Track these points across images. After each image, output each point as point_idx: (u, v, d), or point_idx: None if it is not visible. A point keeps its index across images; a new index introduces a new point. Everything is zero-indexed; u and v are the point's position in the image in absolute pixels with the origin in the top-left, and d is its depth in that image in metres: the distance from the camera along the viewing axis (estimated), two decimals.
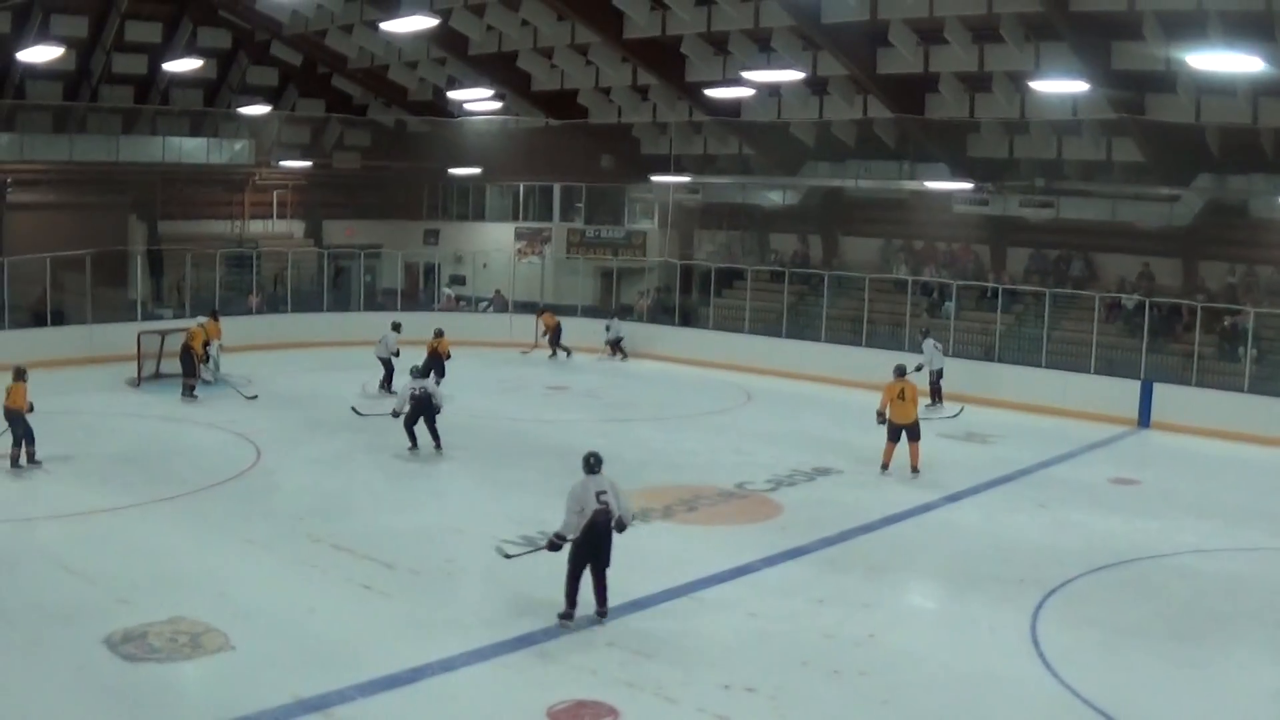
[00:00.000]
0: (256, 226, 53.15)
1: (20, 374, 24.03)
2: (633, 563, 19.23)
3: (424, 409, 26.43)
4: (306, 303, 45.38)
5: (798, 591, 18.45)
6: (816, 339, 41.95)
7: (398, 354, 34.28)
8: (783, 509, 23.42)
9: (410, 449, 26.42)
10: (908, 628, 17.45)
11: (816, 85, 41.07)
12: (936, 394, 35.65)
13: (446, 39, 43.37)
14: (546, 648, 15.59)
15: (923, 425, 26.75)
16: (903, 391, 26.72)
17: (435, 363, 33.46)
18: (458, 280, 52.42)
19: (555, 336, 43.71)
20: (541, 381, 35.63)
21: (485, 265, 51.63)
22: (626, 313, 47.27)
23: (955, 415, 33.02)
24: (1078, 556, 20.71)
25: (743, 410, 35.26)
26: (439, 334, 34.68)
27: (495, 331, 45.92)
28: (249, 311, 43.27)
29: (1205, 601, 18.94)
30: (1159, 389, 34.49)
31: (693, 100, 43.66)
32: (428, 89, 50.26)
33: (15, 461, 23.70)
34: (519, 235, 53.09)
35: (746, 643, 16.23)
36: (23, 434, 23.70)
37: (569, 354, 43.35)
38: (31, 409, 23.66)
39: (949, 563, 20.69)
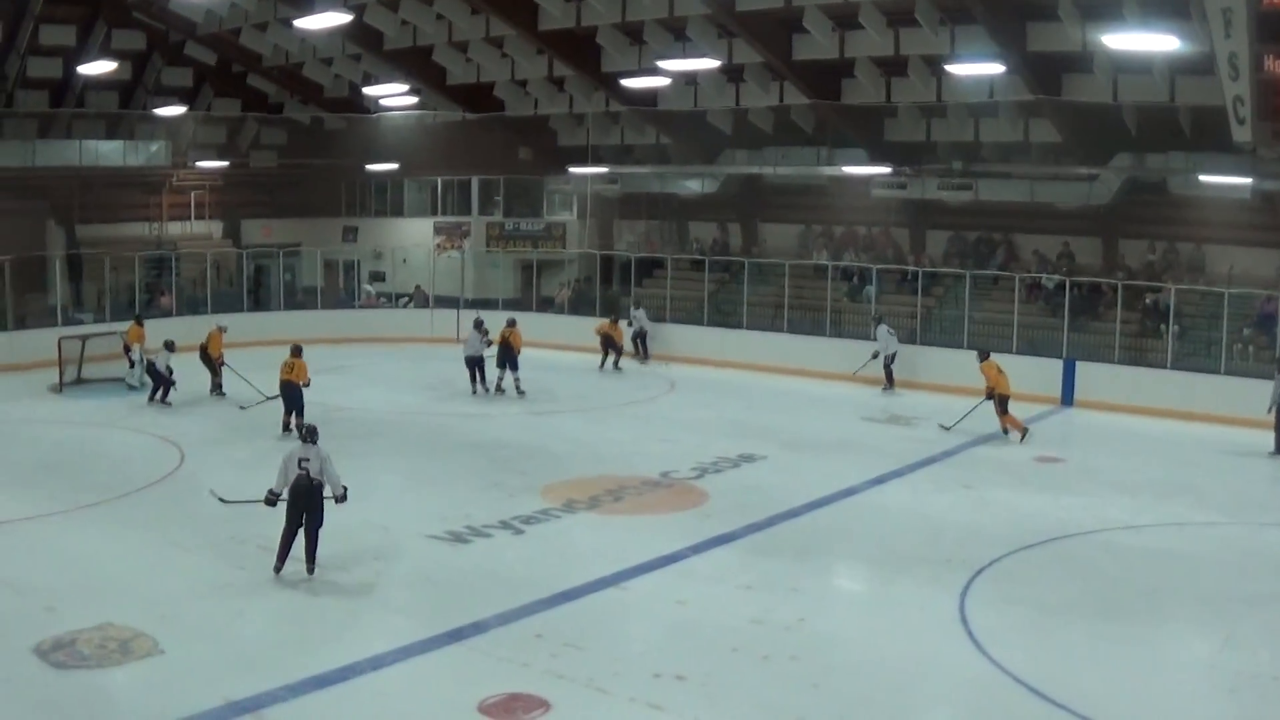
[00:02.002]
0: (175, 228, 52.43)
1: None
2: (560, 554, 19.27)
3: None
4: (226, 304, 44.87)
5: (726, 578, 18.40)
6: (738, 326, 41.89)
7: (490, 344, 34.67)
8: (708, 496, 23.34)
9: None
10: (836, 611, 17.49)
11: (733, 73, 40.98)
12: (889, 379, 36.22)
13: (361, 35, 43.01)
14: (476, 642, 15.45)
15: (847, 409, 26.67)
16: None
17: (507, 354, 33.95)
18: (378, 277, 51.98)
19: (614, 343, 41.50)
20: (464, 376, 35.37)
21: (405, 261, 51.25)
22: (547, 304, 47.28)
23: (950, 428, 31.86)
24: (1004, 536, 20.78)
25: (666, 399, 35.19)
26: (511, 323, 34.90)
27: (416, 327, 45.66)
28: (169, 313, 42.73)
29: (1133, 577, 19.02)
30: (1081, 367, 34.73)
31: (609, 91, 43.50)
32: (343, 85, 49.88)
33: None
34: (438, 230, 52.73)
35: (676, 631, 16.17)
36: None
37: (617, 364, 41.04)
38: None
39: (876, 545, 20.69)
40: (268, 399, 30.83)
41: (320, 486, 17.66)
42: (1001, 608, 17.25)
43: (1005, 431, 29.76)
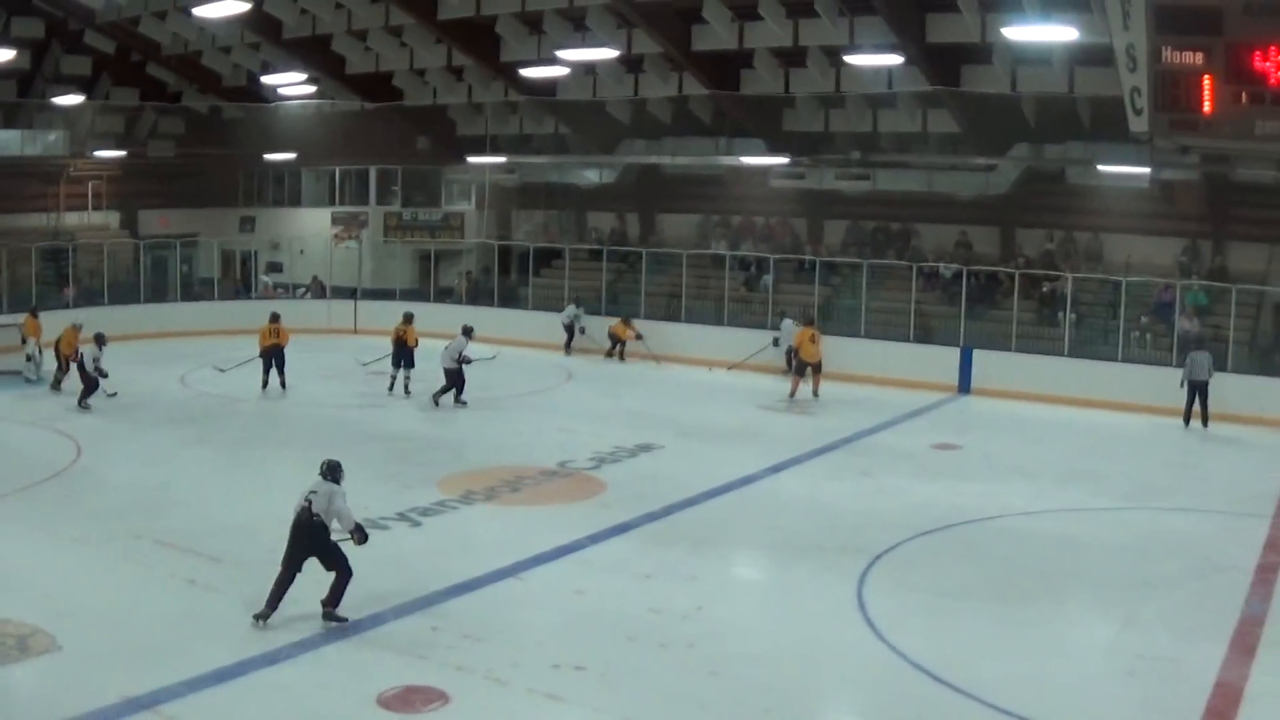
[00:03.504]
0: (73, 219, 51.53)
1: None
2: (457, 545, 19.17)
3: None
4: (123, 295, 44.24)
5: (623, 568, 18.37)
6: (636, 316, 41.69)
7: (467, 362, 31.64)
8: (606, 486, 23.30)
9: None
10: (734, 599, 17.48)
11: (632, 64, 40.97)
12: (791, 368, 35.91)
13: (260, 23, 42.49)
14: (373, 635, 15.34)
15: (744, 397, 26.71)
16: (814, 336, 32.72)
17: (402, 351, 32.92)
18: (275, 267, 51.41)
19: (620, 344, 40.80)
20: (361, 367, 35.15)
21: (302, 251, 50.73)
22: (445, 295, 47.09)
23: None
24: (901, 522, 20.87)
25: (564, 389, 35.19)
26: (408, 319, 33.58)
27: (314, 318, 45.22)
28: (65, 305, 42.12)
29: (1031, 562, 19.16)
30: (978, 355, 35.00)
31: (508, 80, 43.32)
32: (242, 74, 49.30)
33: None
34: (335, 220, 52.26)
35: (574, 621, 16.09)
36: None
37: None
38: None
39: (773, 533, 20.73)
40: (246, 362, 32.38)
41: (324, 526, 15.78)
42: (899, 594, 17.30)
43: (792, 394, 33.27)
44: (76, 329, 32.43)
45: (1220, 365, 31.65)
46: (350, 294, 46.34)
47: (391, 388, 32.86)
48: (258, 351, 32.85)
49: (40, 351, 33.51)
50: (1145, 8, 19.83)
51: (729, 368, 36.93)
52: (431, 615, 16.07)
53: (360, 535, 16.09)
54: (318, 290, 48.10)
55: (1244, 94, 18.72)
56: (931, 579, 18.05)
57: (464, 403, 31.18)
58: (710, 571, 18.44)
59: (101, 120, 50.91)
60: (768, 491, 23.54)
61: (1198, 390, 30.46)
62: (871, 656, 14.98)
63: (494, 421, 29.79)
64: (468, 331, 32.19)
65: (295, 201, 54.56)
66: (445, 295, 47.53)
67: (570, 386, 35.48)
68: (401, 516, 20.59)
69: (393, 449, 26.25)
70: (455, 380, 31.18)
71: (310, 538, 15.75)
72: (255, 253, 51.21)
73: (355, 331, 44.08)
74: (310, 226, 52.05)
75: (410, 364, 32.87)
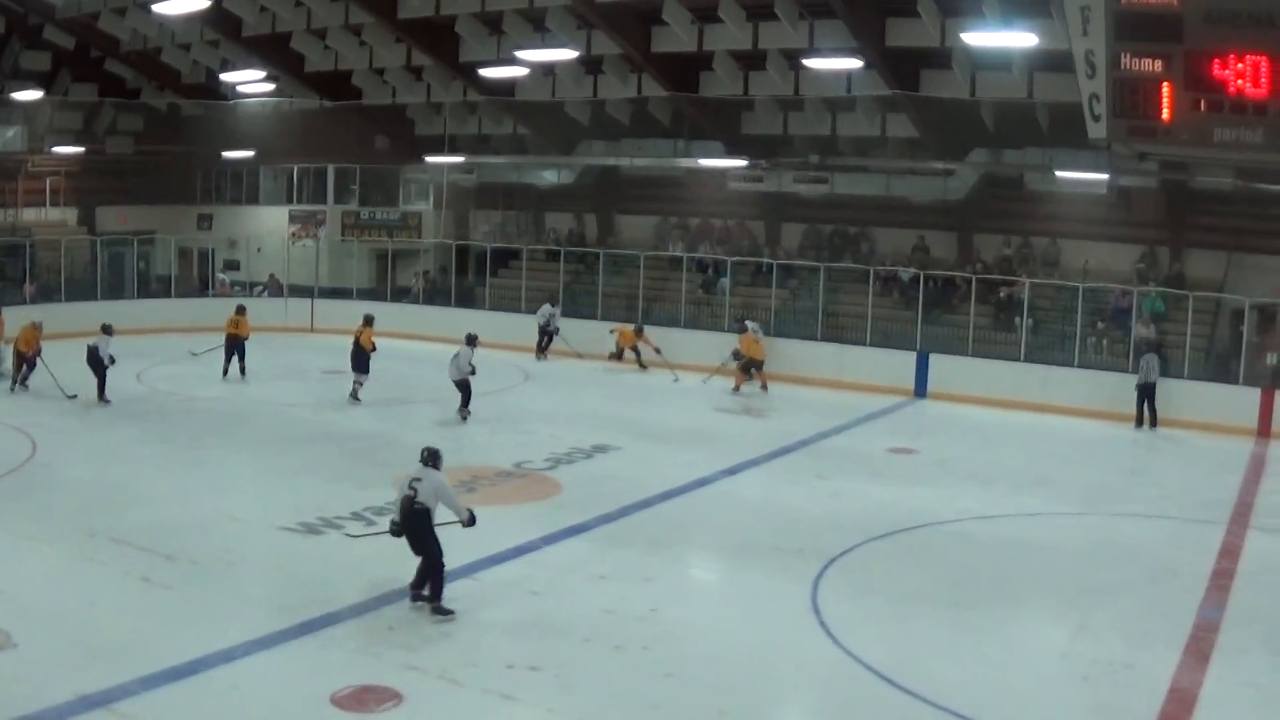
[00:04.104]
0: (30, 215, 51.38)
1: None
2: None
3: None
4: (80, 292, 44.06)
5: (578, 569, 18.34)
6: (592, 317, 41.78)
7: (474, 372, 30.60)
8: (562, 487, 23.27)
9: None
10: (689, 601, 17.41)
11: (591, 65, 41.08)
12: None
13: (219, 21, 42.49)
14: (328, 634, 15.24)
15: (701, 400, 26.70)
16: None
17: (359, 355, 31.81)
18: (232, 265, 51.30)
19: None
20: (318, 366, 35.06)
21: (260, 250, 50.59)
22: (402, 294, 47.07)
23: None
24: (857, 526, 20.89)
25: (521, 390, 35.08)
26: (368, 321, 32.69)
27: (271, 316, 44.96)
28: (23, 301, 41.85)
29: (987, 567, 19.23)
30: (935, 359, 35.15)
31: (467, 80, 43.34)
32: (201, 71, 49.20)
33: None
34: (293, 218, 52.22)
35: (529, 622, 16.00)
36: None
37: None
38: None
39: (728, 535, 20.77)
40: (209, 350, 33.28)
41: (426, 513, 16.30)
42: (854, 597, 17.31)
43: (735, 385, 34.94)
44: (36, 327, 32.17)
45: (1177, 372, 32.01)
46: (308, 293, 46.14)
47: (352, 394, 31.72)
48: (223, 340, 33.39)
49: (7, 347, 33.29)
50: (1105, 14, 19.90)
51: (706, 378, 36.63)
52: (386, 614, 15.99)
53: (470, 519, 16.80)
54: (275, 289, 47.93)
55: (1203, 101, 18.82)
56: (887, 583, 18.07)
57: (469, 412, 30.39)
58: (666, 573, 18.41)
59: (60, 116, 50.91)
60: (724, 494, 23.54)
61: (1146, 393, 31.11)
62: (826, 659, 14.97)
63: (451, 422, 29.67)
64: (472, 340, 30.91)
65: (253, 199, 54.50)
66: (402, 295, 47.55)
67: (527, 387, 35.40)
68: (357, 515, 20.43)
69: (348, 448, 26.15)
70: (466, 390, 30.46)
71: (410, 524, 16.28)
72: (213, 250, 51.13)
73: (312, 330, 43.94)
74: (268, 225, 51.98)
75: (364, 369, 31.83)
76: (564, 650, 14.98)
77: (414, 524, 16.25)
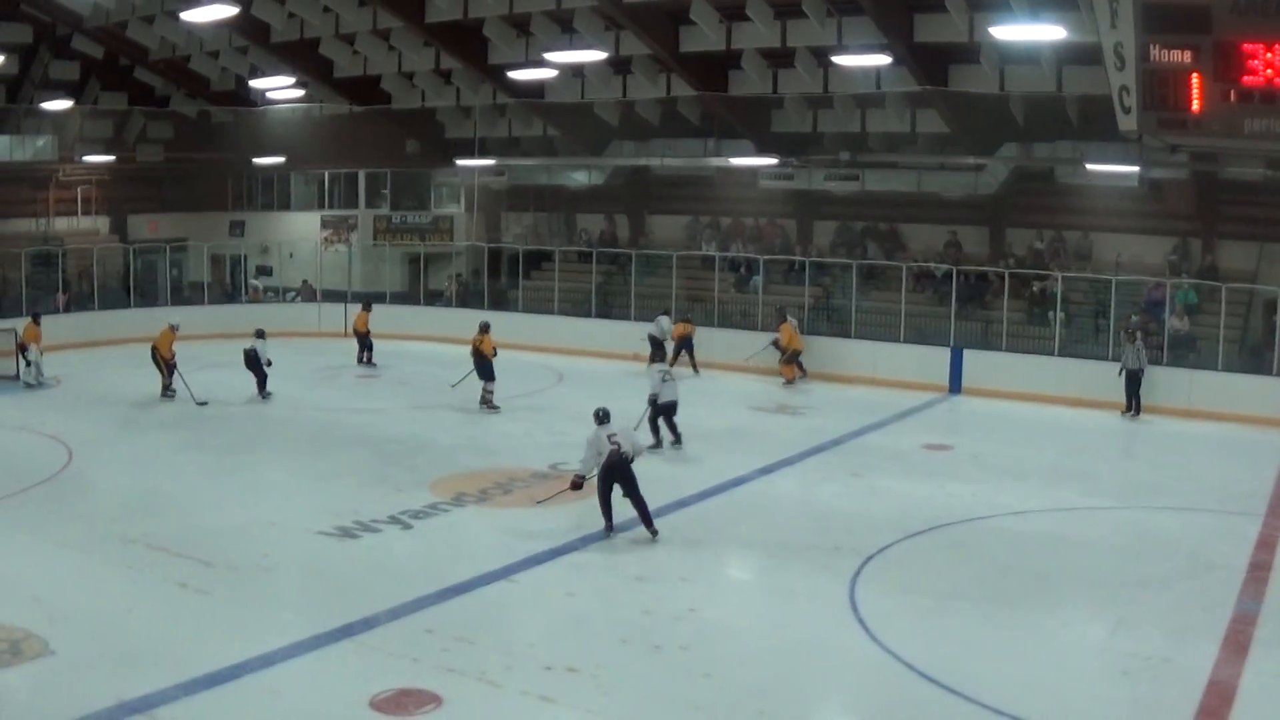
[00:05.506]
0: (62, 224, 51.66)
1: None
2: (450, 548, 19.18)
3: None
4: (113, 300, 44.29)
5: (615, 570, 18.40)
6: (626, 318, 41.78)
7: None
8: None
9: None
10: (726, 600, 17.47)
11: (620, 65, 41.00)
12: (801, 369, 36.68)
13: (248, 27, 42.53)
14: (366, 638, 15.29)
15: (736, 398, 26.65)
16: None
17: (482, 363, 31.60)
18: (264, 271, 51.52)
19: (686, 346, 38.80)
20: (351, 371, 35.17)
21: (292, 255, 50.79)
22: (435, 297, 47.16)
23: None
24: (893, 523, 20.87)
25: (555, 391, 35.10)
26: (484, 327, 32.23)
27: (304, 322, 45.17)
28: (56, 310, 42.03)
29: (1023, 562, 19.17)
30: (969, 355, 35.03)
31: (496, 83, 43.28)
32: (230, 79, 49.31)
33: None
34: (325, 224, 52.40)
35: (566, 623, 16.10)
36: None
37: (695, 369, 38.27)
38: None
39: (765, 534, 20.74)
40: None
41: (630, 459, 19.62)
42: (892, 595, 17.30)
43: (785, 379, 36.04)
44: (173, 329, 32.46)
45: (1210, 364, 31.90)
46: (341, 298, 46.19)
47: (483, 402, 31.40)
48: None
49: (42, 356, 33.43)
50: (1133, 6, 19.87)
51: (749, 357, 37.05)
52: (424, 618, 16.01)
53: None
54: (307, 294, 48.01)
55: (1233, 92, 18.77)
56: (923, 579, 18.08)
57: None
58: (702, 573, 18.45)
59: (90, 125, 50.96)
60: (759, 492, 23.56)
61: (1135, 380, 31.55)
62: (864, 657, 14.98)
63: (485, 424, 29.73)
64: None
65: (284, 205, 54.67)
66: (435, 298, 47.66)
67: (562, 389, 35.39)
68: (393, 519, 20.56)
69: (383, 452, 26.23)
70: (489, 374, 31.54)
71: (625, 472, 19.57)
72: (245, 257, 51.23)
73: (346, 334, 44.02)
74: (299, 230, 52.08)
75: (489, 375, 31.53)
76: (602, 651, 15.00)
77: (628, 472, 19.52)
